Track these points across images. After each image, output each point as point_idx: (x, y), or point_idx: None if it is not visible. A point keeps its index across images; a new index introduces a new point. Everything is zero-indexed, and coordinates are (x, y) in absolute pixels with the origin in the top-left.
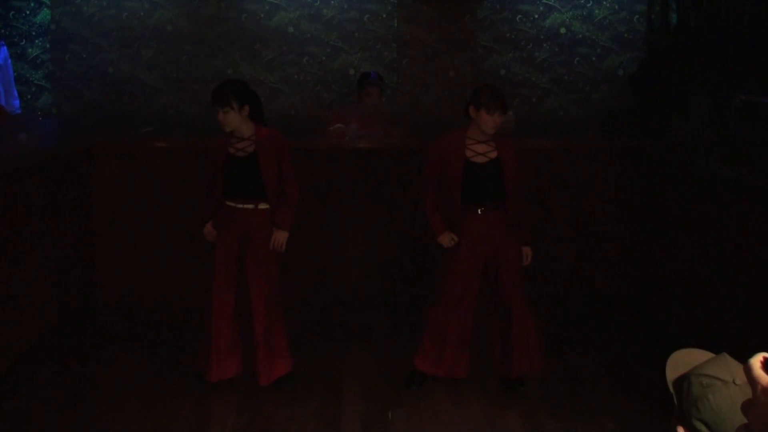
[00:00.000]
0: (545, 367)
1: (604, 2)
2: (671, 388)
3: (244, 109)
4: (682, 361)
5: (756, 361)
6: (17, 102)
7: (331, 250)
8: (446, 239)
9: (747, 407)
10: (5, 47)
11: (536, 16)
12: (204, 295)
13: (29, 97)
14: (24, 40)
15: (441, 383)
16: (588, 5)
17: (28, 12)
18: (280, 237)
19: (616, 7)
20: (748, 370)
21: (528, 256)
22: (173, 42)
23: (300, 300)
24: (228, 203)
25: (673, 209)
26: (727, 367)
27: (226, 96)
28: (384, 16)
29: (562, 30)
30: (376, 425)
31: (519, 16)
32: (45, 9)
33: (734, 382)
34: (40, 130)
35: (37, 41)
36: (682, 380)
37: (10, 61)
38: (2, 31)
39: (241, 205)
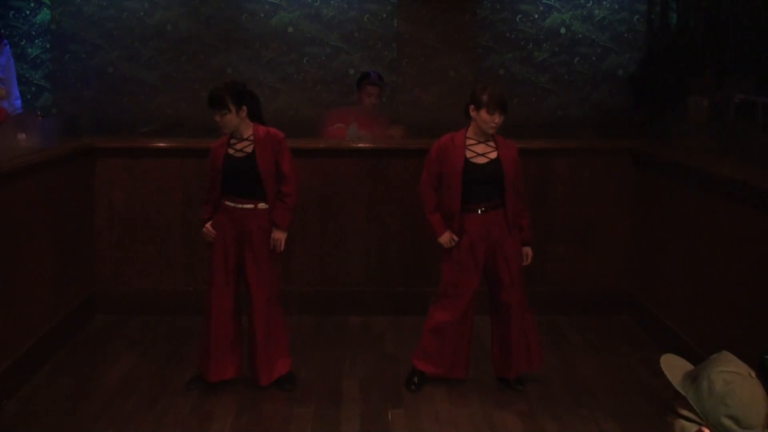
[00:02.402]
0: (545, 366)
1: (604, 2)
2: (683, 391)
3: (241, 110)
4: (675, 365)
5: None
6: (19, 102)
7: (330, 250)
8: (446, 239)
9: None
10: (8, 46)
11: (536, 16)
12: (204, 295)
13: (29, 96)
14: (24, 40)
15: (440, 383)
16: (588, 5)
17: (28, 12)
18: (279, 237)
19: (616, 7)
20: None
21: (528, 256)
22: (173, 42)
23: (299, 300)
24: (227, 203)
25: (672, 209)
26: (736, 362)
27: (222, 99)
28: (384, 15)
29: (562, 30)
30: (375, 425)
31: (519, 15)
32: (45, 9)
33: (750, 375)
34: (39, 130)
35: (37, 41)
36: (697, 381)
37: (12, 60)
38: (2, 31)
39: (240, 206)
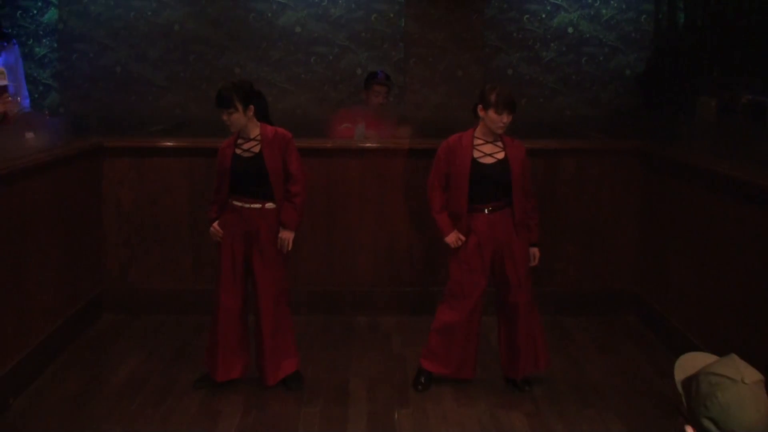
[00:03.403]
0: (552, 367)
1: (612, 2)
2: (680, 389)
3: (249, 109)
4: (689, 364)
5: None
6: (27, 101)
7: (337, 250)
8: (453, 239)
9: None
10: (17, 46)
11: (543, 16)
12: (211, 294)
13: (36, 96)
14: (31, 40)
15: (447, 383)
16: (595, 5)
17: (35, 11)
18: (287, 237)
19: (624, 6)
20: None
21: (536, 257)
22: (181, 41)
23: (307, 299)
24: (235, 203)
25: (679, 209)
26: (735, 366)
27: (230, 98)
28: (391, 15)
29: (570, 29)
30: (382, 425)
31: (526, 15)
32: (52, 8)
33: (743, 381)
34: (47, 129)
35: (44, 40)
36: (691, 380)
37: (21, 59)
38: (10, 30)
39: (248, 205)
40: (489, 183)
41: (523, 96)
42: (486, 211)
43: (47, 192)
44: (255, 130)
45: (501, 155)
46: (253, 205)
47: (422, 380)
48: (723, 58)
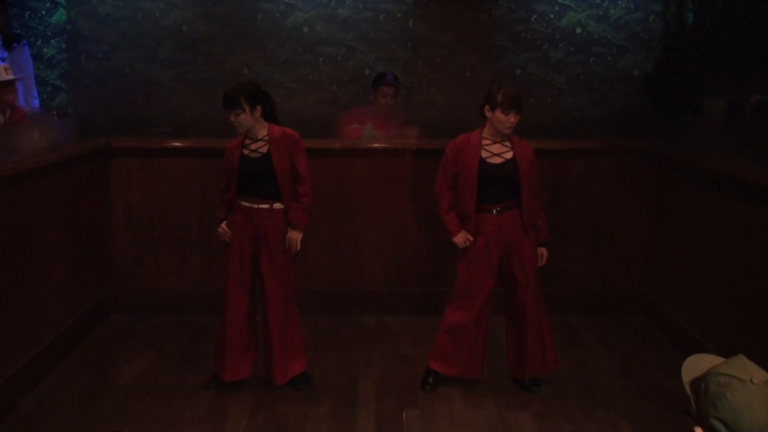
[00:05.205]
0: (559, 368)
1: (620, 2)
2: (688, 390)
3: (256, 110)
4: (697, 365)
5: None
6: (37, 102)
7: (345, 250)
8: (461, 239)
9: None
10: (27, 47)
11: (552, 16)
12: (219, 295)
13: (44, 96)
14: (40, 40)
15: (455, 384)
16: (604, 5)
17: (44, 12)
18: (295, 237)
19: (632, 6)
20: None
21: (544, 257)
22: (189, 42)
23: (315, 299)
24: (243, 203)
25: (687, 209)
26: (744, 366)
27: (237, 98)
28: (399, 15)
29: (578, 30)
30: (390, 426)
31: (534, 15)
32: (61, 9)
33: (752, 381)
34: (56, 130)
35: (52, 41)
36: (699, 381)
37: (31, 60)
38: (19, 31)
39: (256, 206)
40: (497, 183)
41: (531, 96)
42: (494, 211)
43: (55, 192)
44: (262, 130)
45: (509, 155)
46: (261, 206)
47: (430, 380)
48: (731, 58)
